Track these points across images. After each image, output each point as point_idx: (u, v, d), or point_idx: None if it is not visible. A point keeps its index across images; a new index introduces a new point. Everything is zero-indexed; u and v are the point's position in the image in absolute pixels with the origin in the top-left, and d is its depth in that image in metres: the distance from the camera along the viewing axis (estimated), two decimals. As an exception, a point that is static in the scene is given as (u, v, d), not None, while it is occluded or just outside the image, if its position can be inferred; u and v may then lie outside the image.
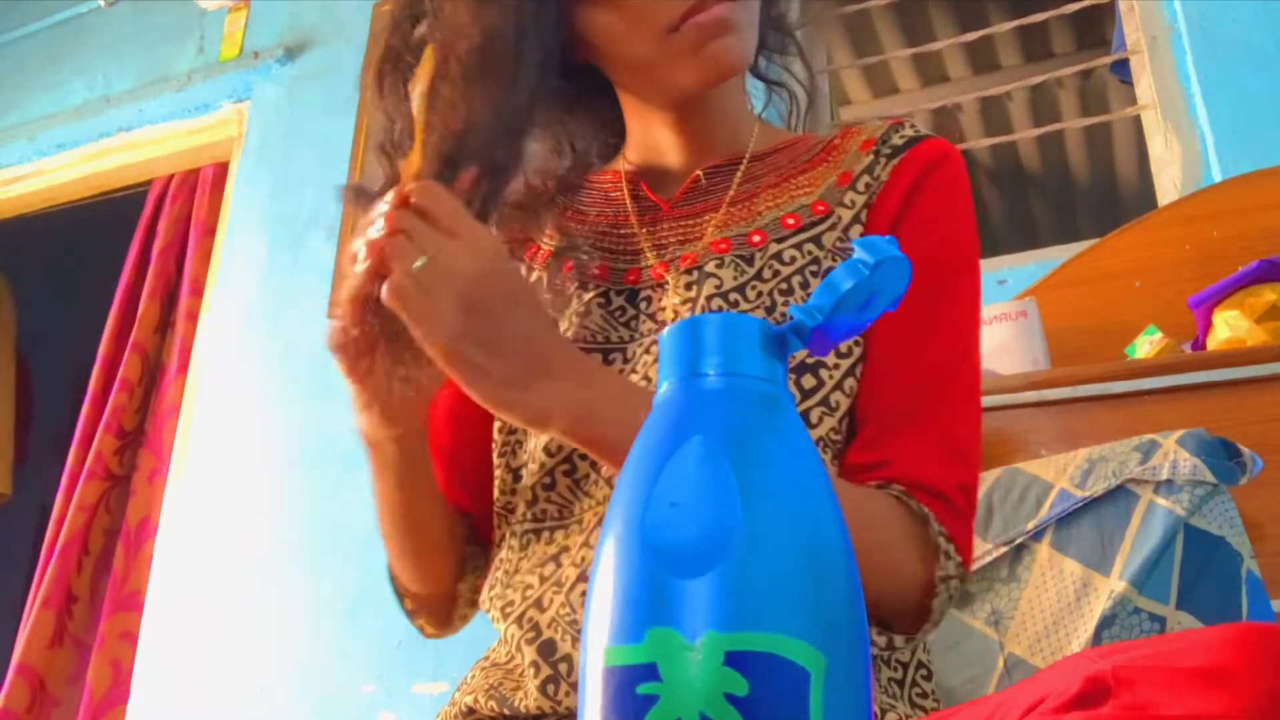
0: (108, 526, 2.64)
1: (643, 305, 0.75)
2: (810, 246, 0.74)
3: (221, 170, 2.80)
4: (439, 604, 0.81)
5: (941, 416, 0.70)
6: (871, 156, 0.76)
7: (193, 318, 2.67)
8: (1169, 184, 1.76)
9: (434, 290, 0.57)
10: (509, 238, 0.83)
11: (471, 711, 0.69)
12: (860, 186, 0.75)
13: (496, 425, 0.79)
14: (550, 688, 0.65)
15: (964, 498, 0.69)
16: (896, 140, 0.76)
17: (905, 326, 0.70)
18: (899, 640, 0.67)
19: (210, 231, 2.75)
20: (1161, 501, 1.04)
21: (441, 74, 0.66)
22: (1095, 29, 3.14)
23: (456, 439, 0.82)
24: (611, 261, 0.79)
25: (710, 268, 0.74)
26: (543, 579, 0.70)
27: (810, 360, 0.69)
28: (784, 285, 0.72)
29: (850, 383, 0.70)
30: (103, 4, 3.08)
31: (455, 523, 0.80)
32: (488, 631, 0.75)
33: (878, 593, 0.64)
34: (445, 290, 0.58)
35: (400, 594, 0.82)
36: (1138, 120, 1.93)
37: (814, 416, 0.69)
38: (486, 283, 0.59)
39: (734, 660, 0.31)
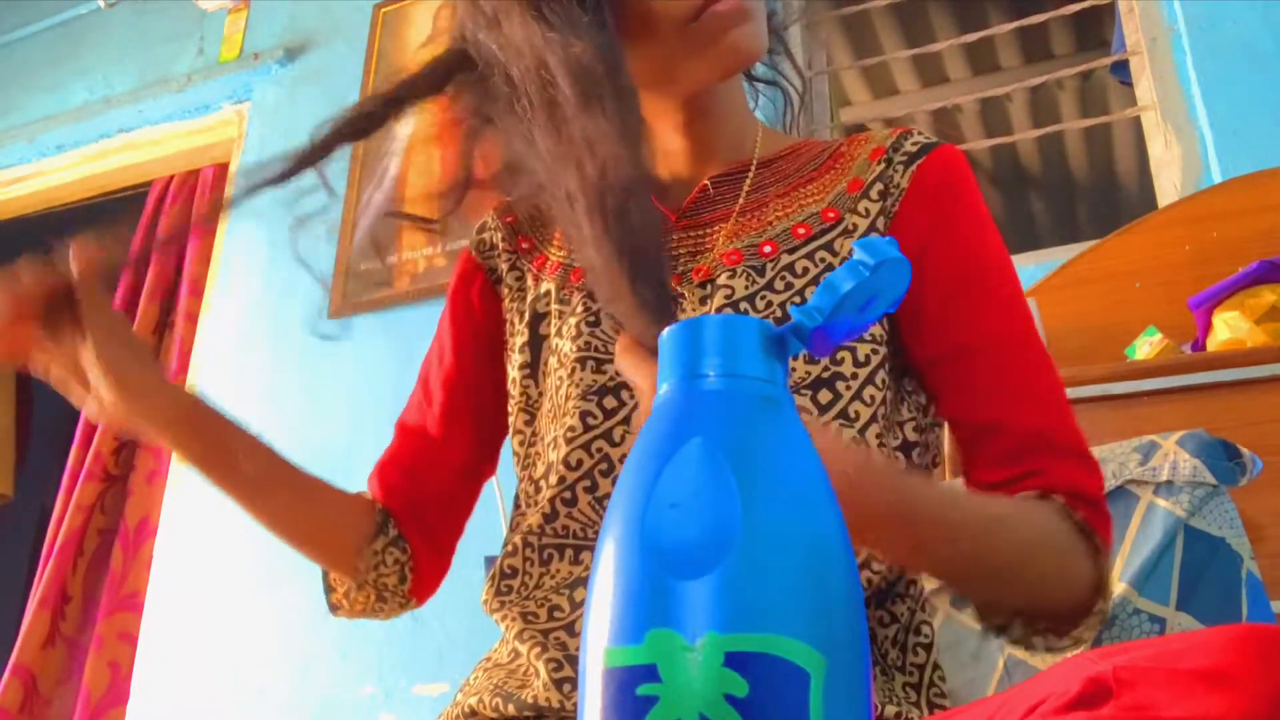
0: (103, 526, 2.64)
1: None
2: (823, 254, 0.74)
3: (221, 171, 2.81)
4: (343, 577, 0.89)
5: (1070, 427, 0.73)
6: (884, 165, 0.77)
7: (192, 318, 2.67)
8: (1169, 185, 1.76)
9: None
10: (516, 246, 0.84)
11: (474, 713, 0.69)
12: (874, 194, 0.76)
13: (516, 438, 0.80)
14: (566, 686, 0.65)
15: (1107, 501, 0.71)
16: (909, 147, 0.77)
17: (999, 341, 0.74)
18: (1057, 642, 0.69)
19: (210, 232, 2.75)
20: (1161, 502, 1.04)
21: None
22: (1095, 30, 3.14)
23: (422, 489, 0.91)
24: None
25: (722, 279, 0.74)
26: (573, 603, 0.70)
27: (826, 375, 0.69)
28: (798, 298, 0.72)
29: (870, 391, 0.70)
30: (103, 5, 3.08)
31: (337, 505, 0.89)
32: (489, 632, 0.75)
33: (1054, 600, 0.67)
34: None
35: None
36: (1138, 121, 1.93)
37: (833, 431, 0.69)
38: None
39: (734, 661, 0.30)
